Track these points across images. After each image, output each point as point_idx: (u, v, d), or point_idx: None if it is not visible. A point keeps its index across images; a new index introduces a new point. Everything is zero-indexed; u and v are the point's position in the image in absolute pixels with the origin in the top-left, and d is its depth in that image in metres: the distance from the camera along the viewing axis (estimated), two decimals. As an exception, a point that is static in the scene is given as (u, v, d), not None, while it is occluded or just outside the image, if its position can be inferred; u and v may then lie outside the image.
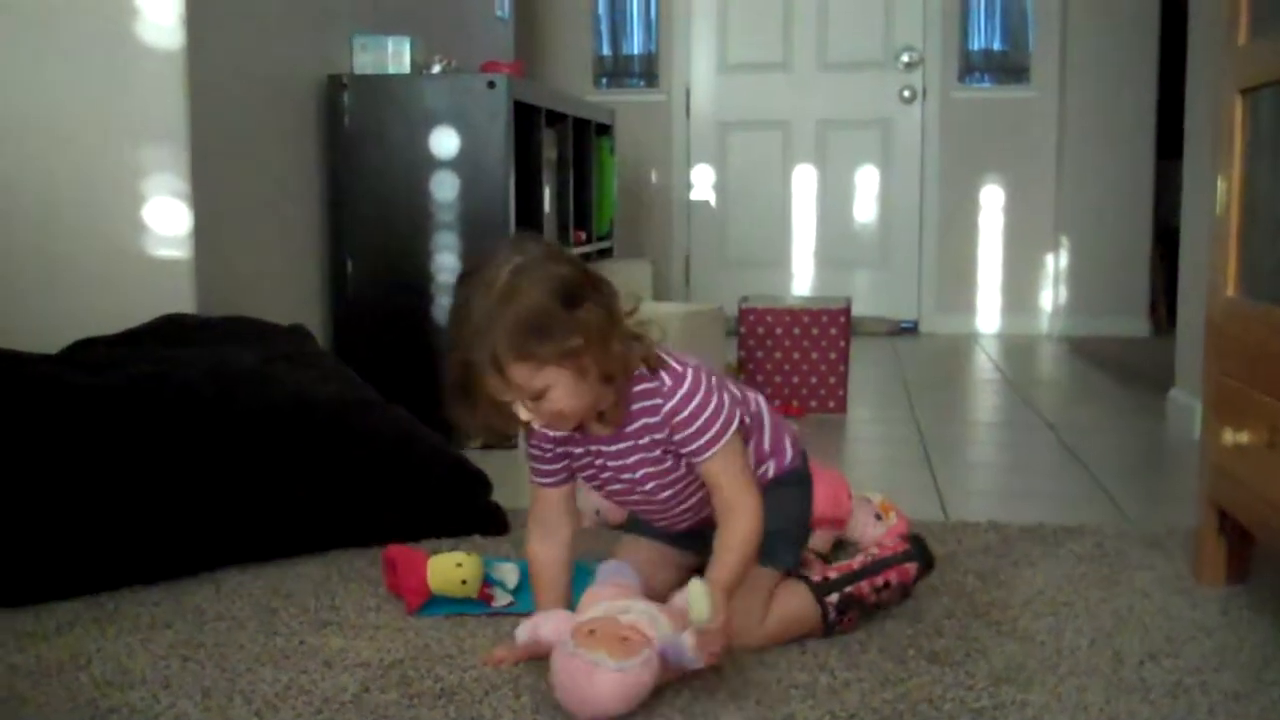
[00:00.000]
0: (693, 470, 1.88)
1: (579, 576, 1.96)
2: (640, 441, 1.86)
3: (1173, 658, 1.87)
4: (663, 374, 1.83)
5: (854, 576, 2.01)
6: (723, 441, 1.83)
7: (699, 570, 1.83)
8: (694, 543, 2.01)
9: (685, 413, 1.82)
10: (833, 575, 2.00)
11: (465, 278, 1.77)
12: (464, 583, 2.04)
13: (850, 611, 1.97)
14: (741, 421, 1.88)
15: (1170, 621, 2.03)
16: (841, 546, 2.42)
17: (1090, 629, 1.99)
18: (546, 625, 1.78)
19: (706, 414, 1.83)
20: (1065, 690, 1.74)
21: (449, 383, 1.76)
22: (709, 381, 1.85)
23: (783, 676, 1.79)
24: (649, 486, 1.91)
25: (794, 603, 1.95)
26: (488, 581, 2.09)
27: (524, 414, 1.76)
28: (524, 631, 1.80)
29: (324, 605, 2.11)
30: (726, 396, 1.86)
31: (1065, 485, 3.09)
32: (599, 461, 1.90)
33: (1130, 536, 2.51)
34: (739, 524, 1.82)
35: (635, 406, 1.83)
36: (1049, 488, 3.09)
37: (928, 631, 1.97)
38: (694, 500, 1.95)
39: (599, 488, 1.97)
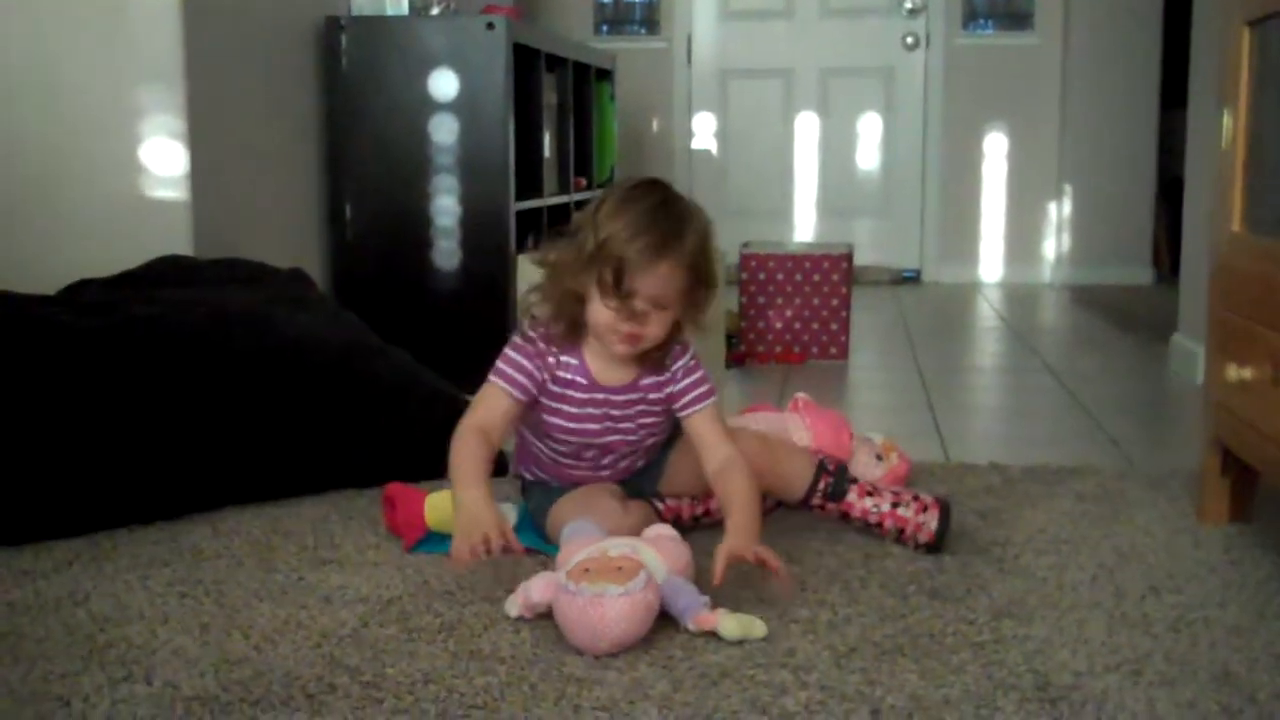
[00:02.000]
0: (657, 428, 2.06)
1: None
2: (648, 396, 2.02)
3: (1175, 593, 1.86)
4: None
5: (866, 492, 2.09)
6: (711, 399, 2.03)
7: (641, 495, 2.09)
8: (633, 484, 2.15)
9: (692, 376, 2.02)
10: (851, 477, 2.12)
11: (639, 187, 1.93)
12: None
13: (832, 505, 2.09)
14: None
15: (1173, 559, 2.02)
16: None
17: (1092, 565, 1.98)
18: (535, 586, 1.76)
19: (701, 373, 2.03)
20: (1066, 624, 1.74)
21: (585, 250, 1.89)
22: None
23: (783, 611, 1.78)
24: (635, 437, 2.05)
25: (792, 456, 2.11)
26: None
27: (639, 306, 1.88)
28: (515, 603, 1.78)
29: (323, 543, 2.10)
30: None
31: (1067, 429, 3.08)
32: (602, 410, 2.01)
33: (1132, 477, 2.50)
34: (739, 478, 1.94)
35: (655, 368, 2.02)
36: (1051, 431, 3.08)
37: (929, 568, 1.97)
38: (637, 454, 2.11)
39: (573, 432, 2.03)
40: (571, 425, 2.03)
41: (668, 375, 2.01)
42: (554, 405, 2.01)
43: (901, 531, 2.06)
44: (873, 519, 2.07)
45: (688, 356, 2.03)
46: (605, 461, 2.10)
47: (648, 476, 2.15)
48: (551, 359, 2.00)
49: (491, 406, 1.99)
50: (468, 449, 1.94)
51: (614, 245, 1.85)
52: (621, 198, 1.91)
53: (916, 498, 2.08)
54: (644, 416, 2.04)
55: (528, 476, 2.18)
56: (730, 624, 1.68)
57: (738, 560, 1.79)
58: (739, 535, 1.82)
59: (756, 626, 1.70)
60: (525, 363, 1.99)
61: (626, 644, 1.65)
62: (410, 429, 2.50)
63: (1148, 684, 1.55)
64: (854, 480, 2.11)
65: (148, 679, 1.56)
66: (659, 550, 1.80)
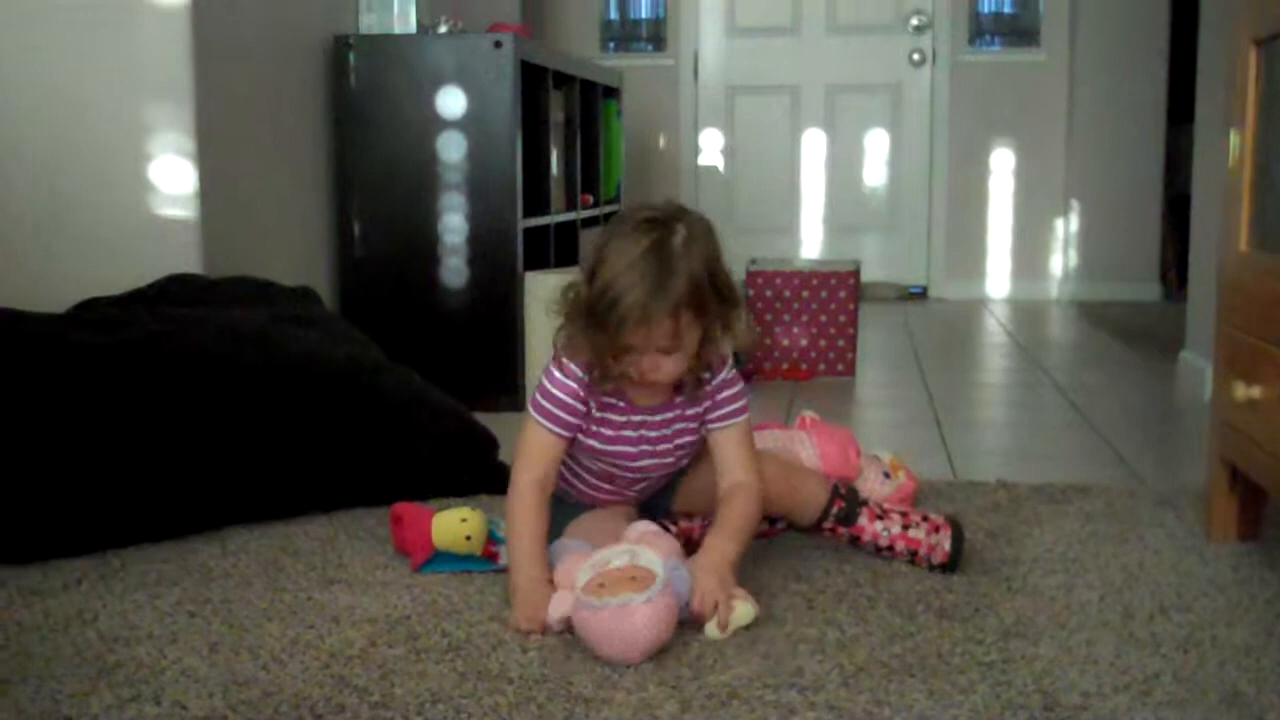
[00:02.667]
0: (690, 448, 2.05)
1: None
2: (685, 413, 2.01)
3: (1184, 612, 1.86)
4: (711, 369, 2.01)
5: (876, 515, 2.09)
6: (743, 417, 2.02)
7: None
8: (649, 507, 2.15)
9: (727, 392, 2.01)
10: (862, 499, 2.12)
11: (636, 225, 1.86)
12: (468, 538, 2.04)
13: (843, 529, 2.09)
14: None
15: (1181, 578, 2.02)
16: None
17: (1100, 585, 1.98)
18: (551, 607, 1.79)
19: (737, 390, 2.03)
20: (1075, 644, 1.73)
21: (585, 303, 1.86)
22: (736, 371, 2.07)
23: (792, 631, 1.78)
24: (670, 459, 2.04)
25: (814, 482, 2.10)
26: (492, 539, 2.08)
27: (646, 361, 1.87)
28: (526, 621, 1.79)
29: (331, 562, 2.10)
30: None
31: (1075, 446, 3.08)
32: (638, 433, 1.99)
33: (1140, 495, 2.50)
34: (743, 506, 1.96)
35: (692, 394, 2.00)
36: (1058, 448, 3.07)
37: (937, 587, 1.96)
38: (670, 472, 2.09)
39: (606, 454, 2.00)
40: (607, 448, 2.00)
41: (703, 404, 2.00)
42: (592, 428, 1.99)
43: (914, 554, 2.05)
44: (884, 542, 2.07)
45: (727, 369, 2.01)
46: (635, 489, 2.09)
47: (662, 495, 2.15)
48: (591, 397, 1.97)
49: (543, 452, 1.97)
50: (528, 513, 1.93)
51: (605, 305, 1.82)
52: (619, 242, 1.85)
53: (927, 518, 2.08)
54: (680, 436, 2.02)
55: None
56: (714, 627, 1.76)
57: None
58: (709, 575, 1.81)
59: (746, 612, 1.78)
60: (569, 400, 1.95)
61: (657, 648, 1.69)
62: (418, 447, 2.50)
63: (1156, 704, 1.54)
64: (864, 503, 2.11)
65: (156, 699, 1.56)
66: (653, 547, 1.83)
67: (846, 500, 2.09)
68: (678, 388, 1.98)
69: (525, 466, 1.96)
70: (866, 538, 2.08)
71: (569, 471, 2.08)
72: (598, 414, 1.98)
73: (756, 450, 2.06)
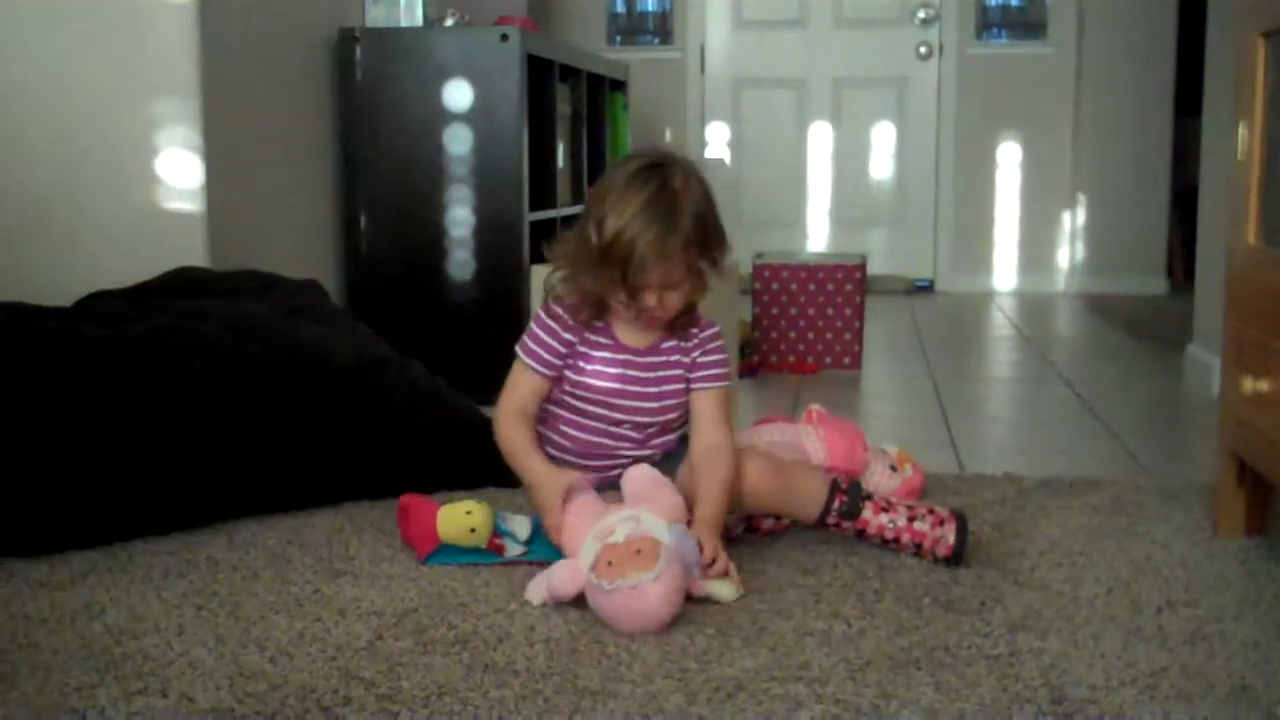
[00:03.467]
0: (676, 402, 2.14)
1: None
2: (670, 359, 2.14)
3: (1191, 607, 1.85)
4: (698, 313, 2.18)
5: (881, 508, 2.09)
6: (725, 381, 2.15)
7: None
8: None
9: (712, 345, 2.15)
10: (866, 493, 2.12)
11: (636, 173, 2.01)
12: (473, 531, 2.04)
13: (847, 523, 2.09)
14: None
15: (1188, 572, 2.01)
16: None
17: (1107, 579, 1.98)
18: (558, 578, 1.83)
19: (723, 356, 2.16)
20: (1082, 638, 1.73)
21: (596, 248, 2.00)
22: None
23: (799, 624, 1.78)
24: (655, 404, 2.13)
25: (804, 479, 2.11)
26: (498, 532, 2.08)
27: (657, 299, 2.02)
28: (537, 591, 1.85)
29: (338, 555, 2.10)
30: None
31: (1082, 440, 3.07)
32: (625, 370, 2.11)
33: (1148, 489, 2.50)
34: (721, 467, 2.04)
35: (680, 334, 2.14)
36: (1065, 442, 3.07)
37: (943, 581, 1.96)
38: (656, 432, 2.16)
39: (595, 391, 2.11)
40: (594, 383, 2.12)
41: (693, 343, 2.15)
42: (579, 364, 2.12)
43: (919, 546, 2.05)
44: (889, 535, 2.07)
45: (714, 332, 2.16)
46: (624, 430, 2.14)
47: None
48: (575, 335, 2.12)
49: (523, 387, 2.15)
50: (513, 431, 2.12)
51: (618, 247, 1.97)
52: (620, 191, 2.00)
53: (932, 511, 2.08)
54: (666, 383, 2.13)
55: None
56: (724, 588, 1.86)
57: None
58: (701, 531, 1.93)
59: (727, 591, 1.86)
60: (550, 340, 2.12)
61: (673, 618, 1.76)
62: (425, 440, 2.51)
63: (1164, 698, 1.54)
64: (868, 496, 2.10)
65: (163, 691, 1.56)
66: (656, 509, 1.90)
67: (849, 494, 2.09)
68: (668, 329, 2.13)
69: (507, 398, 2.15)
70: (872, 530, 2.08)
71: (561, 434, 2.17)
72: (583, 349, 2.12)
73: (742, 449, 2.12)
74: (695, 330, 2.16)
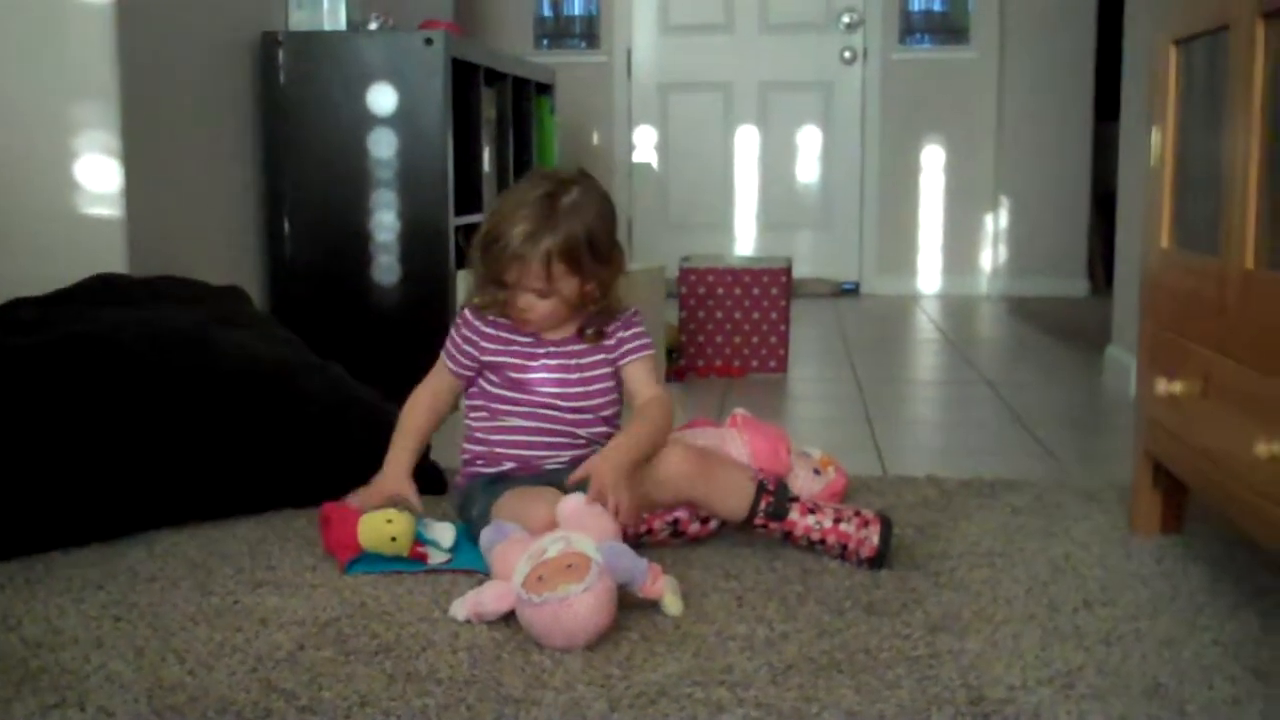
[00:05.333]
0: (606, 389, 2.21)
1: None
2: (593, 354, 2.21)
3: (1108, 606, 1.88)
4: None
5: (808, 510, 2.11)
6: (648, 352, 2.24)
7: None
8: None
9: (630, 330, 2.23)
10: (792, 495, 2.15)
11: (530, 179, 2.18)
12: (394, 539, 2.02)
13: (775, 524, 2.10)
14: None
15: (1106, 571, 2.04)
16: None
17: (1026, 578, 2.00)
18: (487, 596, 1.82)
19: (639, 329, 2.25)
20: (1001, 638, 1.76)
21: (479, 239, 2.13)
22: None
23: (721, 628, 1.79)
24: (581, 389, 2.19)
25: (731, 474, 2.13)
26: (420, 540, 2.07)
27: (521, 300, 2.11)
28: (464, 607, 1.83)
29: (259, 565, 2.08)
30: None
31: (1004, 441, 3.11)
32: (549, 362, 2.18)
33: (1067, 489, 2.53)
34: (651, 414, 2.16)
35: (597, 338, 2.21)
36: (987, 444, 3.10)
37: (865, 583, 1.98)
38: (584, 417, 2.20)
39: (515, 383, 2.18)
40: (519, 376, 2.18)
41: (610, 343, 2.22)
42: (503, 360, 2.19)
43: (845, 548, 2.07)
44: (815, 536, 2.08)
45: (626, 316, 2.24)
46: (558, 425, 2.19)
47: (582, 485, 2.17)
48: (490, 329, 2.20)
49: (439, 378, 2.27)
50: (408, 410, 2.27)
51: (489, 239, 2.10)
52: (512, 192, 2.17)
53: (858, 513, 2.09)
54: (591, 369, 2.20)
55: (470, 469, 2.23)
56: (672, 602, 1.84)
57: (585, 478, 2.02)
58: (607, 456, 2.05)
59: (673, 604, 1.85)
60: (462, 344, 2.21)
61: (602, 633, 1.73)
62: (347, 447, 2.49)
63: (1079, 697, 1.56)
64: (795, 498, 2.12)
65: (81, 705, 1.54)
66: (586, 529, 1.89)
67: (775, 495, 2.10)
68: (580, 335, 2.20)
69: (421, 384, 2.28)
70: (799, 532, 2.09)
71: (481, 432, 2.22)
72: (502, 346, 2.19)
73: (673, 439, 2.20)
74: (613, 328, 2.23)
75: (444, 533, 2.09)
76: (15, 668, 1.66)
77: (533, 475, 2.17)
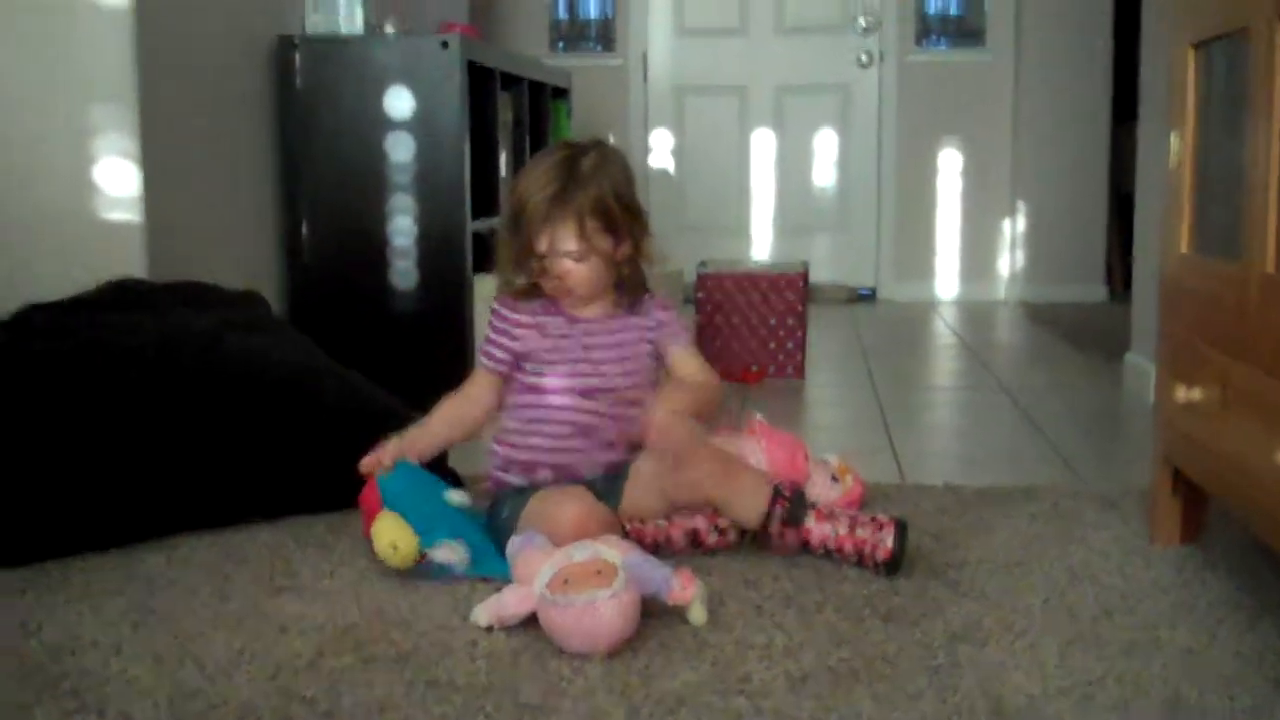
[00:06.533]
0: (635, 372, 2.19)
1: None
2: (630, 323, 2.20)
3: (1128, 614, 1.88)
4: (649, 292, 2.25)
5: (824, 516, 2.10)
6: (688, 336, 2.27)
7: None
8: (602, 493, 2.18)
9: (668, 313, 2.24)
10: (809, 501, 2.14)
11: (548, 150, 2.15)
12: (394, 548, 2.01)
13: (790, 531, 2.10)
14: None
15: (1125, 580, 2.04)
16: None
17: (1045, 588, 2.00)
18: (509, 600, 1.82)
19: (677, 314, 2.26)
20: (1020, 647, 1.75)
21: (506, 217, 2.13)
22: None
23: (740, 637, 1.79)
24: (622, 376, 2.16)
25: (750, 477, 2.14)
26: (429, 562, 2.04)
27: (558, 266, 2.09)
28: (485, 613, 1.82)
29: (278, 571, 2.09)
30: None
31: (1021, 448, 3.10)
32: (587, 340, 2.16)
33: (1086, 497, 2.52)
34: (701, 382, 2.20)
35: (632, 307, 2.21)
36: (1005, 451, 3.09)
37: (883, 591, 1.97)
38: (623, 421, 2.15)
39: (546, 362, 2.16)
40: (551, 356, 2.16)
41: (648, 319, 2.21)
42: (535, 346, 2.17)
43: (861, 553, 2.06)
44: (832, 544, 2.08)
45: (657, 297, 2.24)
46: (586, 407, 2.15)
47: (610, 488, 2.17)
48: (523, 314, 2.17)
49: (473, 379, 2.24)
50: (444, 402, 2.24)
51: (516, 208, 2.08)
52: (533, 162, 2.15)
53: (873, 518, 2.09)
54: (623, 348, 2.18)
55: (502, 475, 2.20)
56: (699, 612, 1.83)
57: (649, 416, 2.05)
58: (668, 398, 2.11)
59: (700, 612, 1.84)
60: (496, 336, 2.19)
61: (623, 641, 1.73)
62: (365, 452, 2.49)
63: (1100, 707, 1.56)
64: (812, 504, 2.11)
65: (100, 711, 1.54)
66: (614, 544, 1.88)
67: (791, 501, 2.09)
68: (614, 304, 2.19)
69: (462, 387, 2.25)
70: (815, 540, 2.09)
71: (519, 432, 2.18)
72: (534, 328, 2.16)
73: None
74: (645, 304, 2.23)
75: (455, 548, 2.07)
76: (35, 673, 1.66)
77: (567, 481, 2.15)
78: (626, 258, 2.15)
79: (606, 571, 1.76)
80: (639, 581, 1.78)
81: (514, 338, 2.18)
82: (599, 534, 1.96)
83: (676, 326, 2.24)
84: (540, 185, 2.06)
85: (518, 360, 2.19)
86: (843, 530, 2.08)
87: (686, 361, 2.23)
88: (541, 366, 2.17)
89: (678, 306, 2.29)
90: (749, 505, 2.10)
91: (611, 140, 2.20)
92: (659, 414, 2.05)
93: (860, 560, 2.06)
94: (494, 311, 2.21)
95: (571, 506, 2.02)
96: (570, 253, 2.08)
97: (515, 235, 2.10)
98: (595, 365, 2.16)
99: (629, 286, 2.19)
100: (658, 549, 2.09)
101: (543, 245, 2.08)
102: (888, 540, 2.05)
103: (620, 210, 2.09)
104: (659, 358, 2.23)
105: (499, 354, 2.19)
